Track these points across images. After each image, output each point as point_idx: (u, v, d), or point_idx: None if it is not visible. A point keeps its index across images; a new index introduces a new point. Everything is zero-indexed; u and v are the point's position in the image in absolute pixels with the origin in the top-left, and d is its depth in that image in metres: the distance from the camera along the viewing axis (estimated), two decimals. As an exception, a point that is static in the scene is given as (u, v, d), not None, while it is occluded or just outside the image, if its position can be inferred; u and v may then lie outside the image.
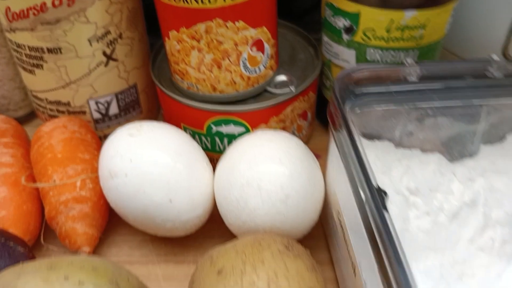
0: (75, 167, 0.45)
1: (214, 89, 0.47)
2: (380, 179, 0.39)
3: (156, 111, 0.61)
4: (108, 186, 0.42)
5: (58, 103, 0.52)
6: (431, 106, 0.40)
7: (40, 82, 0.51)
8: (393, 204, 0.38)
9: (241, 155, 0.41)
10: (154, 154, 0.41)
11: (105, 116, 0.54)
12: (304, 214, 0.40)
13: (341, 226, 0.38)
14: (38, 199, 0.46)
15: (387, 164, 0.41)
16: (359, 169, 0.32)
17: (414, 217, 0.39)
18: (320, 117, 0.60)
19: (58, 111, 0.53)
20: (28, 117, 0.61)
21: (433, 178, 0.41)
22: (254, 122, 0.48)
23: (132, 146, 0.42)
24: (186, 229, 0.43)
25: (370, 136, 0.42)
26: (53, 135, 0.48)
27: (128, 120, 0.57)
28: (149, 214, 0.41)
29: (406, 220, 0.38)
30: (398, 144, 0.42)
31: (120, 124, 0.56)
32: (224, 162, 0.43)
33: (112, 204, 0.43)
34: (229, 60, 0.45)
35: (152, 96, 0.58)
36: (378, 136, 0.42)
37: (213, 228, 0.47)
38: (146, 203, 0.40)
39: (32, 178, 0.47)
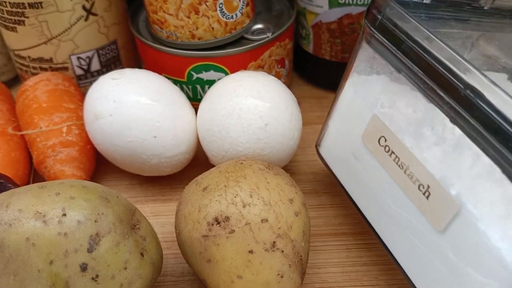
0: (61, 115, 0.47)
1: (193, 36, 0.49)
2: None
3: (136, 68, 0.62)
4: (94, 128, 0.44)
5: (41, 60, 0.53)
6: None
7: (22, 40, 0.52)
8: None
9: (222, 89, 0.43)
10: (136, 93, 0.43)
11: (87, 72, 0.56)
12: (283, 141, 0.42)
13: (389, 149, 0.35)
14: (26, 149, 0.48)
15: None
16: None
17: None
18: (297, 69, 0.63)
19: (41, 68, 0.54)
20: (11, 82, 0.62)
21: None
22: (233, 67, 0.50)
23: (115, 87, 0.43)
24: (172, 166, 0.45)
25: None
26: (38, 87, 0.49)
27: (110, 78, 0.58)
28: (135, 152, 0.43)
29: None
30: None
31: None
32: (206, 99, 0.45)
33: (99, 146, 0.45)
34: (206, 5, 0.47)
35: (133, 52, 0.60)
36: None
37: (199, 170, 0.49)
38: (132, 140, 0.42)
39: (18, 130, 0.49)
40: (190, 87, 0.52)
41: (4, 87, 0.54)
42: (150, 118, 0.42)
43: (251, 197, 0.34)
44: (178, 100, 0.45)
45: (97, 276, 0.30)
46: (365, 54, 0.38)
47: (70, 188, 0.32)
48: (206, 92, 0.52)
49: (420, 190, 0.32)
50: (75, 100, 0.49)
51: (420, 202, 0.32)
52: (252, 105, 0.41)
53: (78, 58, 0.54)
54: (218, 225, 0.34)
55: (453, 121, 0.30)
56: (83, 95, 0.52)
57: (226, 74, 0.51)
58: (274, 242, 0.34)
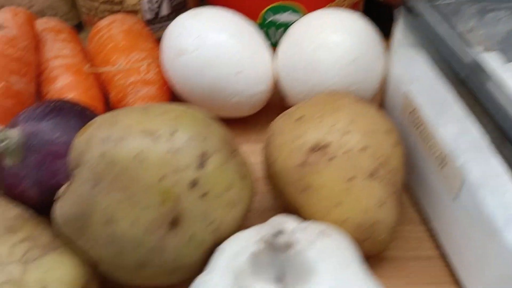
0: (138, 54, 0.47)
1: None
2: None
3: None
4: (175, 66, 0.44)
5: (112, 2, 0.53)
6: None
7: (94, -20, 0.52)
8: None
9: (307, 25, 0.42)
10: (219, 30, 0.43)
11: (156, 17, 0.55)
12: (370, 77, 0.41)
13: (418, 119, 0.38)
14: (101, 88, 0.48)
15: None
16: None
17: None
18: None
19: (111, 11, 0.54)
20: (75, 28, 0.63)
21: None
22: (311, 9, 0.49)
23: (198, 24, 0.43)
24: (250, 106, 0.45)
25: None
26: (112, 27, 0.49)
27: (176, 24, 0.58)
28: (217, 88, 0.42)
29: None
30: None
31: (161, 29, 0.57)
32: (288, 36, 0.44)
33: (179, 84, 0.44)
34: None
35: (193, 2, 0.59)
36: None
37: (272, 114, 0.48)
38: (214, 76, 0.42)
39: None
40: (263, 30, 0.51)
41: (72, 30, 0.54)
42: (234, 54, 0.42)
43: (350, 126, 0.34)
44: (257, 38, 0.45)
45: (205, 194, 0.30)
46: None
47: (175, 109, 0.32)
48: (277, 36, 0.51)
49: (437, 161, 0.35)
50: (150, 40, 0.49)
51: (437, 171, 0.35)
52: (340, 40, 0.40)
53: (149, 1, 0.54)
54: (316, 152, 0.33)
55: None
56: (155, 38, 0.52)
57: (302, 16, 0.50)
58: (374, 170, 0.33)
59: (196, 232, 0.30)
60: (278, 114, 0.46)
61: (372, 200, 0.33)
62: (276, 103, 0.47)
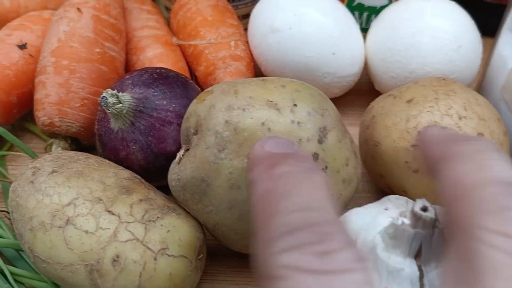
0: (226, 29, 0.47)
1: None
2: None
3: None
4: (267, 42, 0.44)
5: (195, -23, 0.53)
6: None
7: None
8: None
9: (406, 8, 0.42)
10: (316, 8, 0.43)
11: (236, -6, 0.55)
12: (471, 65, 0.41)
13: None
14: (186, 62, 0.48)
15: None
16: None
17: None
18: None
19: (192, -13, 0.54)
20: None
21: None
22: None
23: (294, 2, 0.43)
24: (340, 87, 0.44)
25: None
26: (199, 1, 0.49)
27: (254, 4, 0.58)
28: (311, 67, 0.42)
29: None
30: None
31: (247, 6, 0.57)
32: (383, 19, 0.44)
33: (269, 62, 0.44)
34: None
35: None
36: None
37: (362, 95, 0.48)
38: (309, 55, 0.42)
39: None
40: (348, 13, 0.51)
41: (152, 2, 0.54)
42: (330, 34, 0.42)
43: (466, 110, 0.34)
44: (350, 19, 0.44)
45: (326, 167, 0.30)
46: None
47: (293, 83, 0.32)
48: (362, 20, 0.51)
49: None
50: (235, 17, 0.49)
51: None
52: (447, 26, 0.40)
53: (232, -22, 0.53)
54: (430, 134, 0.33)
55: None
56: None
57: (390, 1, 0.49)
58: (488, 157, 0.33)
59: None
60: (365, 97, 0.46)
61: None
62: (362, 86, 0.47)
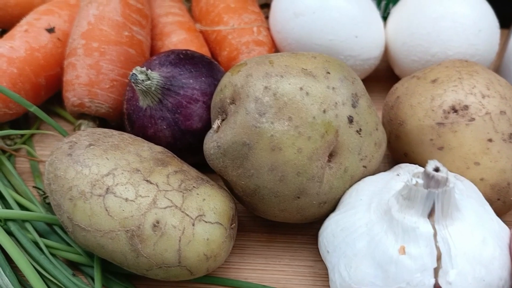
0: (249, 16, 0.48)
1: None
2: None
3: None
4: (291, 27, 0.45)
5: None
6: None
7: None
8: None
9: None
10: (340, -6, 0.44)
11: (256, -15, 0.57)
12: (490, 48, 0.42)
13: None
14: (208, 47, 0.50)
15: None
16: None
17: None
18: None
19: (213, -24, 0.56)
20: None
21: None
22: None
23: (316, -13, 0.45)
24: (362, 70, 0.46)
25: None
26: (222, -11, 0.51)
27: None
28: (334, 50, 0.44)
29: None
30: None
31: (266, -4, 0.59)
32: (403, 5, 0.45)
33: (292, 45, 0.46)
34: None
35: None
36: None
37: (381, 79, 0.50)
38: (332, 39, 0.44)
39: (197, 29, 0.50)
40: None
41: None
42: (353, 18, 0.43)
43: (489, 89, 0.35)
44: (371, 4, 0.46)
45: (360, 129, 0.32)
46: None
47: (322, 55, 0.34)
48: (380, 7, 0.53)
49: None
50: (256, 4, 0.51)
51: None
52: (468, 11, 0.42)
53: (252, -33, 0.55)
54: (455, 113, 0.35)
55: None
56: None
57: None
58: (511, 133, 0.34)
59: (350, 165, 0.32)
60: (383, 83, 0.48)
61: (510, 162, 0.34)
62: (379, 73, 0.49)
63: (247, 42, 0.46)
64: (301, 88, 0.31)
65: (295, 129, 0.30)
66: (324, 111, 0.31)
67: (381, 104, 0.47)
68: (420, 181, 0.28)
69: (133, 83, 0.35)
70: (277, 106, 0.30)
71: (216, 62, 0.41)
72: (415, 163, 0.37)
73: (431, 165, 0.27)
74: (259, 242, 0.37)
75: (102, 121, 0.44)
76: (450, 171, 0.35)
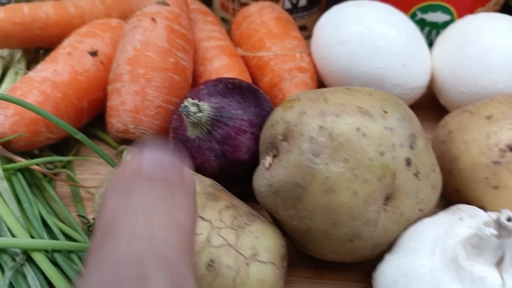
0: (291, 42, 0.48)
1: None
2: None
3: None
4: (335, 54, 0.45)
5: (255, -11, 0.55)
6: None
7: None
8: None
9: (474, 26, 0.43)
10: (386, 21, 0.44)
11: (295, 7, 0.57)
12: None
13: None
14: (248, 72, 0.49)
15: None
16: None
17: None
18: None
19: (252, -1, 0.56)
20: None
21: None
22: (461, 10, 0.50)
23: (362, 14, 0.44)
24: (408, 99, 0.45)
25: None
26: (263, 14, 0.50)
27: (310, 17, 0.59)
28: (380, 79, 0.43)
29: None
30: None
31: (303, 18, 0.58)
32: (448, 36, 0.45)
33: (337, 72, 0.46)
34: None
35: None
36: None
37: (425, 108, 0.49)
38: (379, 67, 0.43)
39: (237, 53, 0.50)
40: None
41: (213, 13, 0.55)
42: (401, 46, 0.43)
43: (548, 126, 0.34)
44: (418, 32, 0.46)
45: (417, 172, 0.31)
46: None
47: (378, 92, 0.33)
48: (423, 34, 0.52)
49: None
50: (297, 29, 0.51)
51: None
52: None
53: (292, -9, 0.55)
54: (512, 151, 0.34)
55: None
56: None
57: (452, 17, 0.50)
58: None
59: (406, 209, 0.32)
60: (426, 110, 0.47)
61: None
62: (422, 99, 0.48)
63: (289, 69, 0.46)
64: (357, 129, 0.30)
65: (351, 172, 0.30)
66: (381, 153, 0.30)
67: (426, 133, 0.47)
68: (494, 232, 0.27)
69: (185, 115, 0.35)
70: (332, 147, 0.30)
71: (261, 91, 0.41)
72: (468, 200, 0.36)
73: (504, 215, 0.26)
74: (307, 279, 0.36)
75: (144, 146, 0.43)
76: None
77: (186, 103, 0.35)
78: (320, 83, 0.49)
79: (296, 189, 0.30)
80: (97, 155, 0.41)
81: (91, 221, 0.39)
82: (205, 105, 0.36)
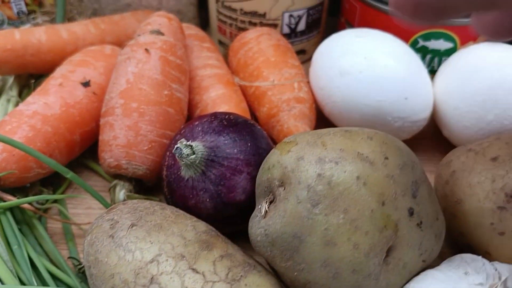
0: (289, 71, 0.47)
1: None
2: None
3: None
4: (335, 85, 0.44)
5: (254, 14, 0.54)
6: None
7: (240, -9, 0.52)
8: None
9: (479, 57, 0.42)
10: (388, 53, 0.43)
11: (293, 32, 0.56)
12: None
13: None
14: (246, 101, 0.48)
15: None
16: None
17: None
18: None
19: (250, 23, 0.55)
20: (198, 36, 0.63)
21: None
22: (464, 38, 0.49)
23: (363, 45, 0.43)
24: (409, 132, 0.44)
25: None
26: (261, 41, 0.49)
27: (309, 40, 0.58)
28: (382, 111, 0.42)
29: None
30: None
31: (302, 42, 0.57)
32: (452, 66, 0.44)
33: (336, 104, 0.44)
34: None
35: (327, 17, 0.59)
36: None
37: (428, 140, 0.48)
38: (380, 100, 0.42)
39: (234, 82, 0.49)
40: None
41: (210, 39, 0.54)
42: (403, 79, 0.42)
43: (555, 170, 0.33)
44: (419, 63, 0.44)
45: (421, 222, 0.30)
46: None
47: (378, 134, 0.32)
48: (425, 61, 0.51)
49: None
50: (295, 57, 0.50)
51: None
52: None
53: (290, 15, 0.54)
54: (519, 196, 0.32)
55: None
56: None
57: (455, 45, 0.49)
58: None
59: (409, 261, 0.30)
60: (429, 138, 0.46)
61: None
62: (426, 128, 0.47)
63: (288, 100, 0.45)
64: (358, 177, 0.29)
65: (351, 223, 0.28)
66: (383, 204, 0.29)
67: (427, 164, 0.45)
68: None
69: (178, 157, 0.34)
70: (331, 197, 0.28)
71: (259, 127, 0.40)
72: (472, 244, 0.35)
73: (480, 268, 0.25)
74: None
75: (138, 181, 0.42)
76: (509, 259, 0.33)
77: (179, 145, 0.34)
78: (319, 113, 0.48)
79: (294, 241, 0.29)
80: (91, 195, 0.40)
81: (82, 262, 0.38)
82: (199, 146, 0.35)
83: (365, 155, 0.30)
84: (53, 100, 0.42)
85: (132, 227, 0.31)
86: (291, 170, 0.30)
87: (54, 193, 0.44)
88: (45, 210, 0.42)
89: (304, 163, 0.30)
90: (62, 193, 0.44)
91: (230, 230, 0.37)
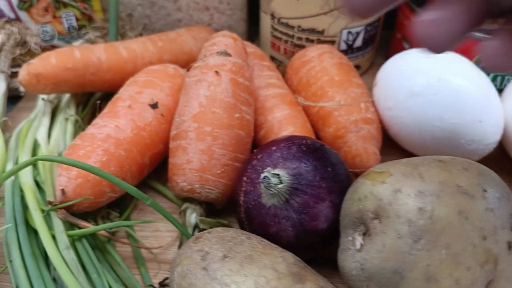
0: (354, 90, 0.46)
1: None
2: None
3: (379, 51, 0.62)
4: (406, 106, 0.43)
5: (312, 31, 0.53)
6: None
7: (300, 8, 0.52)
8: None
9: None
10: (460, 73, 0.42)
11: (350, 48, 0.55)
12: None
13: None
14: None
15: None
16: None
17: None
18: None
19: (307, 40, 0.54)
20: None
21: None
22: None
23: (435, 65, 0.43)
24: (480, 154, 0.44)
25: None
26: (324, 59, 0.49)
27: (364, 56, 0.57)
28: (455, 134, 0.42)
29: None
30: None
31: (357, 58, 0.57)
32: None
33: (406, 125, 0.44)
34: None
35: (379, 35, 0.59)
36: None
37: (496, 162, 0.47)
38: (455, 122, 0.41)
39: (296, 101, 0.48)
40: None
41: (268, 57, 0.54)
42: (477, 101, 0.41)
43: None
44: (490, 85, 0.44)
45: None
46: None
47: (472, 165, 0.32)
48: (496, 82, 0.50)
49: None
50: (358, 75, 0.49)
51: None
52: None
53: (349, 32, 0.53)
54: None
55: None
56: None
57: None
58: None
59: None
60: (497, 160, 0.45)
61: None
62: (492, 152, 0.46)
63: (355, 121, 0.44)
64: (459, 212, 0.28)
65: (453, 258, 0.28)
66: (484, 238, 0.28)
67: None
68: None
69: (265, 187, 0.34)
70: (433, 232, 0.28)
71: (334, 151, 0.39)
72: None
73: None
74: None
75: (208, 205, 0.42)
76: None
77: (267, 174, 0.34)
78: (384, 134, 0.47)
79: (394, 276, 0.29)
80: (161, 217, 0.39)
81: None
82: (285, 175, 0.35)
83: (464, 187, 0.29)
84: (124, 123, 0.42)
85: (224, 259, 0.31)
86: (388, 202, 0.30)
87: (120, 214, 0.44)
88: (113, 233, 0.42)
89: (403, 196, 0.29)
90: (129, 215, 0.44)
91: (308, 257, 0.37)
